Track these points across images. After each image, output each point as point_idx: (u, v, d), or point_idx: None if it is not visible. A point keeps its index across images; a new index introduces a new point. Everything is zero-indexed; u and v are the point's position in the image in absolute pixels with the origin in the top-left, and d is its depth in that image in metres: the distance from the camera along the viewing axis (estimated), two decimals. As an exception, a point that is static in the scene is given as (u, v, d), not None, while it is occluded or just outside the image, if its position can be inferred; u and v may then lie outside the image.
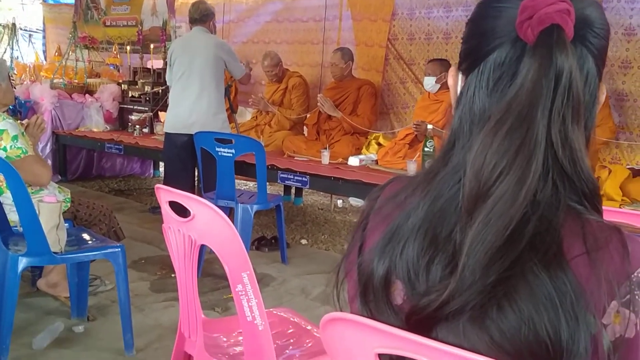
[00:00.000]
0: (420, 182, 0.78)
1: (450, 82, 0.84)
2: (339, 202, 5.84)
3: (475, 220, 0.67)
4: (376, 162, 4.36)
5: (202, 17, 4.27)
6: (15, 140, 2.68)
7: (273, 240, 4.25)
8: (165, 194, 1.60)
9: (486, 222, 0.66)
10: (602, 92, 0.77)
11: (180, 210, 1.59)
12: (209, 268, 3.60)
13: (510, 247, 0.66)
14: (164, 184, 4.27)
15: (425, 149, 3.77)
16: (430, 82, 4.28)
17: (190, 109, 4.18)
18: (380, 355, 0.69)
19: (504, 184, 0.66)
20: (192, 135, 4.03)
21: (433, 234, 0.73)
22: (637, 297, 0.66)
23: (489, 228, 0.66)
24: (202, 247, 1.56)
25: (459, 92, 0.81)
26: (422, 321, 0.70)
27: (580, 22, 0.71)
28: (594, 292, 0.66)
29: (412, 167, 3.83)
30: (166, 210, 1.60)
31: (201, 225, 1.50)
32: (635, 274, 0.67)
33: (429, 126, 3.90)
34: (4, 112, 2.89)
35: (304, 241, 4.54)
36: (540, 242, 0.67)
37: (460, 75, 0.81)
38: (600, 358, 0.66)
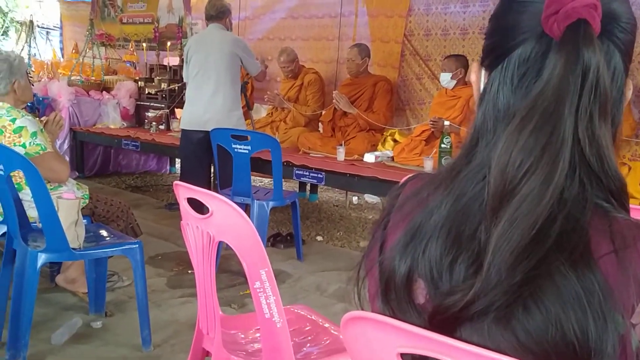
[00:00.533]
0: (443, 179, 0.77)
1: (472, 78, 0.83)
2: (355, 198, 5.83)
3: (500, 219, 0.66)
4: (392, 158, 4.34)
5: (218, 14, 4.28)
6: (34, 137, 2.70)
7: (288, 237, 4.25)
8: (184, 191, 1.60)
9: (512, 220, 0.65)
10: (629, 88, 0.76)
11: (197, 206, 1.60)
12: (225, 264, 3.62)
13: (536, 247, 0.65)
14: (180, 180, 4.32)
15: (442, 146, 3.75)
16: (446, 78, 4.26)
17: (205, 106, 4.20)
18: (402, 355, 0.68)
19: (531, 182, 0.65)
20: (207, 132, 4.03)
21: (456, 233, 0.72)
22: None
23: (515, 227, 0.65)
24: (219, 243, 1.56)
25: (482, 88, 0.79)
26: (445, 321, 0.69)
27: (607, 17, 0.69)
28: (623, 291, 0.64)
29: (428, 164, 3.81)
30: (184, 207, 1.60)
31: (219, 222, 1.50)
32: None
33: (446, 122, 3.88)
34: (22, 109, 2.92)
35: (319, 238, 4.54)
36: (567, 241, 0.66)
37: (483, 71, 0.80)
38: (629, 358, 0.65)
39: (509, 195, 0.66)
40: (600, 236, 0.67)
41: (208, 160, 4.32)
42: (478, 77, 0.81)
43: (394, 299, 0.76)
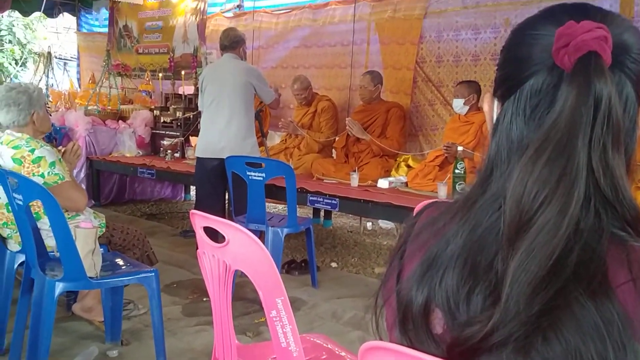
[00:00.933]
0: (459, 209, 0.78)
1: (485, 108, 0.84)
2: (369, 224, 5.82)
3: (517, 250, 0.66)
4: (406, 184, 4.35)
5: (231, 44, 4.34)
6: (52, 167, 2.74)
7: (303, 264, 4.25)
8: (200, 220, 1.62)
9: (529, 251, 0.65)
10: None
11: (212, 234, 1.61)
12: (240, 292, 3.61)
13: (554, 277, 0.65)
14: (196, 208, 4.36)
15: (456, 171, 3.75)
16: (459, 104, 4.28)
17: (220, 134, 4.24)
18: (421, 385, 0.68)
19: (546, 213, 0.65)
20: (222, 159, 4.07)
21: (473, 263, 0.72)
22: None
23: (532, 258, 0.65)
24: (235, 271, 1.57)
25: (494, 118, 0.81)
26: (464, 352, 0.69)
27: (618, 48, 0.70)
28: None
29: (442, 189, 3.81)
30: (201, 235, 1.62)
31: (235, 251, 1.51)
32: None
33: (459, 148, 3.88)
34: (40, 139, 2.97)
35: (334, 264, 4.53)
36: (585, 271, 0.66)
37: (496, 102, 0.81)
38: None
39: (525, 226, 0.67)
40: (618, 265, 0.67)
41: (223, 187, 4.35)
42: (491, 108, 0.82)
43: (412, 329, 0.77)
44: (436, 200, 0.90)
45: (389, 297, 0.83)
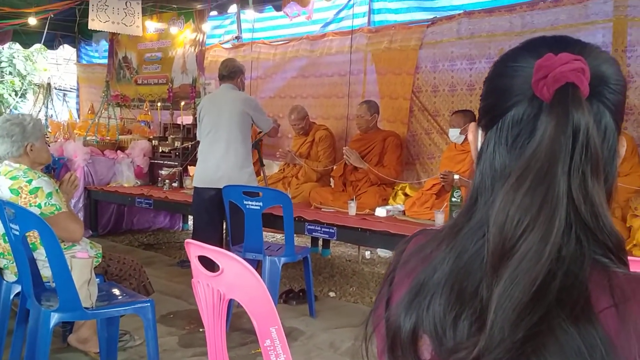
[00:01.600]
0: (445, 236, 0.79)
1: (470, 137, 0.86)
2: (367, 253, 5.81)
3: (501, 277, 0.67)
4: (403, 212, 4.36)
5: (229, 74, 4.39)
6: (49, 198, 2.75)
7: (301, 293, 4.23)
8: (195, 249, 1.63)
9: (513, 278, 0.66)
10: (622, 145, 0.78)
11: (209, 263, 1.62)
12: (237, 322, 3.59)
13: (537, 303, 0.66)
14: (193, 237, 4.36)
15: (453, 199, 3.77)
16: (455, 134, 4.32)
17: (217, 163, 4.26)
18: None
19: (529, 240, 0.67)
20: (220, 189, 4.09)
21: (459, 289, 0.73)
22: None
23: (516, 285, 0.66)
24: (231, 301, 1.58)
25: (479, 147, 0.82)
26: None
27: (596, 79, 0.72)
28: (625, 346, 0.65)
29: (439, 218, 3.82)
30: (195, 264, 1.62)
31: (230, 280, 1.51)
32: None
33: (456, 176, 3.90)
34: (39, 169, 2.99)
35: (332, 294, 4.51)
36: (568, 296, 0.67)
37: (480, 131, 0.83)
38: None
39: (509, 253, 0.68)
40: (600, 291, 0.68)
41: (220, 217, 4.35)
42: (475, 137, 0.84)
43: (400, 355, 0.77)
44: (424, 228, 0.91)
45: (378, 324, 0.83)
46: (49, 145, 4.52)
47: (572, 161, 0.69)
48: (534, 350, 0.66)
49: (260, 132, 4.87)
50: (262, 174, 5.04)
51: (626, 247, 0.75)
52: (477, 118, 0.85)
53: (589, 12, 4.14)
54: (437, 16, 5.14)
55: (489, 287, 0.70)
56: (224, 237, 4.78)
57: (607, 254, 0.72)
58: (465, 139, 4.31)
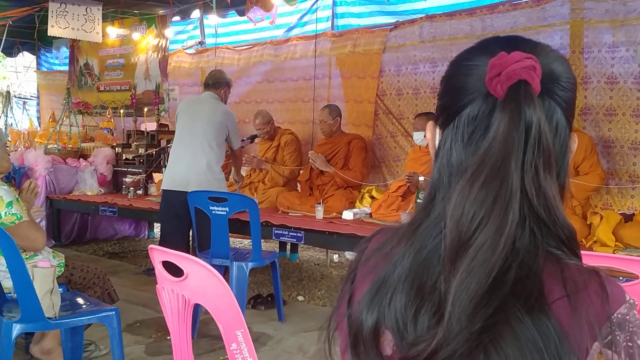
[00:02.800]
0: (405, 233, 0.81)
1: (428, 135, 0.88)
2: (335, 256, 5.82)
3: (458, 270, 0.69)
4: (370, 215, 4.38)
5: (214, 84, 4.40)
6: (9, 207, 2.69)
7: (269, 298, 4.22)
8: (159, 254, 1.61)
9: (469, 270, 0.68)
10: (574, 142, 0.81)
11: (176, 270, 1.61)
12: (205, 329, 3.56)
13: (493, 295, 0.68)
14: (160, 243, 4.29)
15: (418, 201, 3.81)
16: (419, 137, 4.35)
17: (187, 167, 4.20)
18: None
19: (484, 233, 0.68)
20: (187, 193, 4.06)
21: (419, 284, 0.75)
22: (618, 337, 0.68)
23: (472, 277, 0.68)
24: (197, 307, 1.57)
25: (437, 145, 0.84)
26: None
27: (547, 77, 0.75)
28: (577, 335, 0.67)
29: (406, 219, 3.84)
30: (159, 270, 1.61)
31: (194, 284, 1.51)
32: (615, 314, 0.68)
33: (421, 178, 3.95)
34: (-2, 179, 2.92)
35: (300, 298, 4.51)
36: (522, 287, 0.69)
37: (437, 130, 0.85)
38: (586, 400, 0.67)
39: (465, 246, 0.69)
40: (553, 282, 0.70)
41: (188, 222, 4.30)
42: (433, 135, 0.86)
43: (363, 351, 0.78)
44: (384, 227, 0.92)
45: (340, 322, 0.84)
46: (9, 155, 4.42)
47: (524, 156, 0.71)
48: (491, 340, 0.68)
49: (243, 139, 4.92)
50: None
51: (579, 240, 0.77)
52: (435, 116, 0.87)
53: (546, 15, 4.24)
54: (400, 20, 5.19)
55: (446, 280, 0.71)
56: (191, 243, 4.74)
57: (560, 246, 0.74)
58: (432, 141, 4.36)
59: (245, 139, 5.01)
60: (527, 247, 0.71)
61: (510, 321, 0.68)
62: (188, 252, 3.91)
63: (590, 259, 0.76)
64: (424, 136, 4.22)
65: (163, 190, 4.37)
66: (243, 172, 6.02)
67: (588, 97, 4.03)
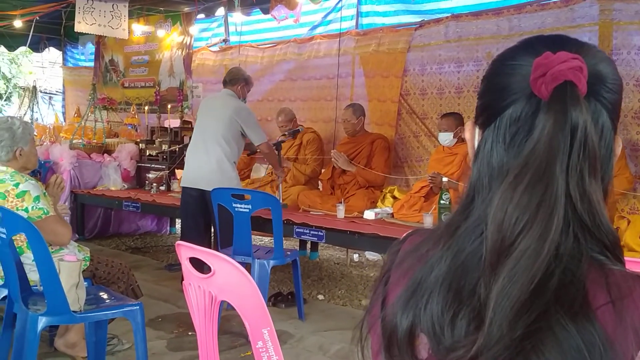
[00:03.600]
0: (442, 235, 0.79)
1: (467, 136, 0.86)
2: (355, 256, 5.81)
3: (499, 275, 0.67)
4: (392, 215, 4.36)
5: (231, 80, 4.45)
6: (37, 201, 2.72)
7: (290, 296, 4.22)
8: (186, 251, 1.61)
9: (511, 276, 0.66)
10: (618, 145, 0.79)
11: (197, 265, 1.61)
12: (226, 325, 3.57)
13: (535, 301, 0.66)
14: (181, 237, 4.34)
15: (441, 202, 3.78)
16: (447, 137, 4.32)
17: (199, 164, 4.31)
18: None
19: (527, 238, 0.67)
20: (202, 191, 4.17)
21: (457, 288, 0.73)
22: None
23: (514, 283, 0.66)
24: (220, 303, 1.57)
25: (476, 146, 0.82)
26: None
27: (593, 78, 0.73)
28: (622, 342, 0.65)
29: (428, 220, 3.83)
30: (187, 266, 1.61)
31: (221, 281, 1.50)
32: None
33: (444, 179, 3.92)
34: (25, 173, 2.95)
35: (320, 296, 4.50)
36: (566, 294, 0.67)
37: (477, 130, 0.83)
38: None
39: (507, 251, 0.68)
40: (597, 288, 0.68)
41: (203, 219, 4.37)
42: (472, 135, 0.84)
43: (397, 354, 0.77)
44: (419, 228, 0.91)
45: (374, 324, 0.83)
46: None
47: (570, 159, 0.69)
48: (533, 347, 0.66)
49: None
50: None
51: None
52: (474, 116, 0.85)
53: (575, 16, 4.18)
54: (425, 19, 5.15)
55: (486, 285, 0.69)
56: (211, 240, 4.77)
57: (604, 252, 0.72)
58: (457, 141, 4.33)
59: (286, 133, 4.99)
60: (570, 252, 0.69)
61: (553, 328, 0.66)
62: (209, 247, 3.93)
63: (628, 267, 0.74)
64: (453, 137, 4.21)
65: (182, 187, 4.50)
66: (264, 171, 6.04)
67: (617, 99, 3.96)
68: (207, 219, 4.34)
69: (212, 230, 4.54)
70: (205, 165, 4.26)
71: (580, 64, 0.71)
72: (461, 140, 4.31)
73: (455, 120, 4.33)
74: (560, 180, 0.68)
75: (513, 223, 0.68)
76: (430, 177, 4.23)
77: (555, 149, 0.69)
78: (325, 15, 6.11)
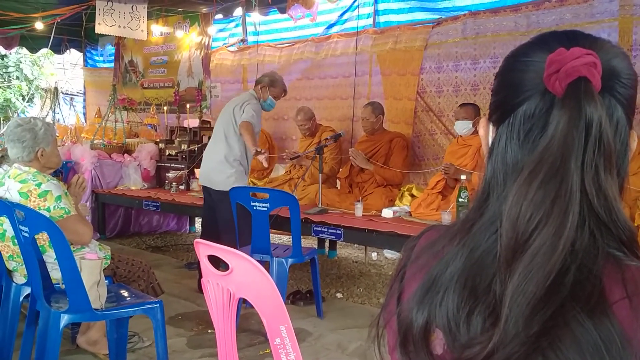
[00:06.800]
0: (457, 231, 0.79)
1: (481, 132, 0.86)
2: (374, 254, 5.81)
3: (515, 272, 0.67)
4: (410, 213, 4.35)
5: (256, 82, 4.52)
6: (58, 201, 2.77)
7: (308, 294, 4.24)
8: (204, 249, 1.63)
9: (526, 273, 0.66)
10: (634, 140, 0.78)
11: (215, 263, 1.63)
12: (245, 323, 3.60)
13: (551, 298, 0.66)
14: (201, 236, 4.39)
15: (460, 200, 3.76)
16: (466, 126, 4.28)
17: (205, 162, 4.48)
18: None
19: (542, 235, 0.67)
20: (211, 189, 4.31)
21: (472, 285, 0.73)
22: None
23: (530, 279, 0.66)
24: (239, 301, 1.58)
25: (490, 143, 0.83)
26: None
27: (608, 73, 0.72)
28: (638, 337, 0.65)
29: (447, 218, 3.81)
30: (205, 264, 1.63)
31: (239, 279, 1.52)
32: None
33: (462, 176, 3.89)
34: (47, 173, 3.00)
35: (339, 295, 4.51)
36: (582, 290, 0.67)
37: (491, 127, 0.83)
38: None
39: (522, 248, 0.68)
40: (613, 284, 0.68)
41: (214, 216, 4.39)
42: (486, 132, 0.85)
43: (413, 350, 0.77)
44: (434, 224, 0.91)
45: (389, 320, 0.84)
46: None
47: (585, 155, 0.69)
48: (550, 344, 0.66)
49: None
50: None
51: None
52: (487, 113, 0.85)
53: (594, 12, 4.14)
54: (443, 17, 5.13)
55: (502, 282, 0.70)
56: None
57: (620, 248, 0.72)
58: (475, 131, 4.30)
59: (328, 137, 4.94)
60: (586, 248, 0.69)
61: (570, 324, 0.66)
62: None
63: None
64: (471, 125, 4.17)
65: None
66: (282, 170, 6.06)
67: (636, 95, 3.92)
68: (216, 217, 4.37)
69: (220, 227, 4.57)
70: (209, 164, 4.39)
71: (594, 60, 0.70)
72: (475, 132, 4.29)
73: (473, 110, 4.32)
74: (575, 176, 0.68)
75: (528, 219, 0.68)
76: (443, 168, 4.23)
77: (570, 145, 0.69)
78: (342, 14, 6.12)
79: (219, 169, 4.29)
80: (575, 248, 0.68)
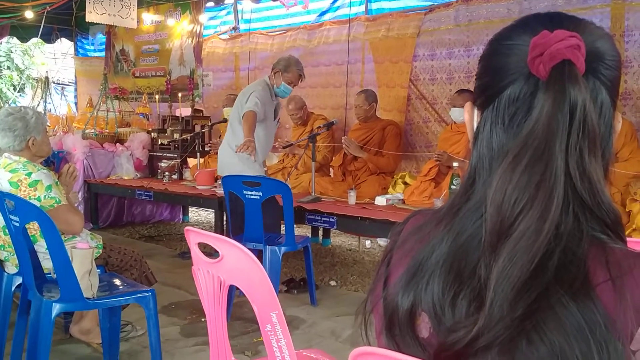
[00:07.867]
0: (443, 216, 0.80)
1: (466, 117, 0.86)
2: (367, 242, 5.82)
3: (499, 256, 0.67)
4: (403, 201, 4.35)
5: (272, 67, 4.34)
6: (49, 190, 2.75)
7: (302, 282, 4.25)
8: (194, 236, 1.63)
9: (511, 257, 0.66)
10: (618, 121, 0.78)
11: (211, 253, 1.62)
12: (239, 312, 3.61)
13: (536, 281, 0.66)
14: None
15: (452, 187, 3.77)
16: (458, 114, 4.25)
17: (220, 152, 4.47)
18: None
19: (527, 219, 0.67)
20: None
21: (457, 269, 0.74)
22: None
23: (514, 263, 0.66)
24: (232, 289, 1.58)
25: (475, 127, 0.82)
26: (450, 357, 0.70)
27: (591, 55, 0.72)
28: (621, 319, 0.65)
29: (439, 206, 3.82)
30: (195, 251, 1.63)
31: (230, 266, 1.52)
32: None
33: (455, 163, 3.89)
34: (38, 162, 2.98)
35: (333, 282, 4.52)
36: (566, 273, 0.68)
37: (475, 111, 0.83)
38: (630, 386, 0.65)
39: (507, 232, 0.68)
40: (597, 266, 0.69)
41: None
42: (471, 117, 0.84)
43: (398, 333, 0.78)
44: (421, 209, 0.91)
45: (376, 304, 0.84)
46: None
47: (569, 138, 0.68)
48: (534, 327, 0.66)
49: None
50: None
51: (624, 225, 0.75)
52: (473, 97, 0.85)
53: (586, -3, 4.13)
54: (435, 4, 5.11)
55: (487, 266, 0.70)
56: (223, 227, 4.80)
57: (604, 230, 0.72)
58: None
59: (321, 126, 4.91)
60: (570, 232, 0.69)
61: (554, 307, 0.66)
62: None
63: (629, 246, 0.74)
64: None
65: None
66: (276, 159, 6.05)
67: (628, 81, 3.92)
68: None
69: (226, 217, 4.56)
70: (223, 151, 4.38)
71: (578, 42, 0.70)
72: (470, 119, 4.29)
73: (470, 96, 4.30)
74: (559, 160, 0.68)
75: (512, 204, 0.68)
76: (436, 155, 4.23)
77: (555, 129, 0.68)
78: (334, 1, 6.09)
79: (223, 156, 4.34)
80: (559, 231, 0.69)
